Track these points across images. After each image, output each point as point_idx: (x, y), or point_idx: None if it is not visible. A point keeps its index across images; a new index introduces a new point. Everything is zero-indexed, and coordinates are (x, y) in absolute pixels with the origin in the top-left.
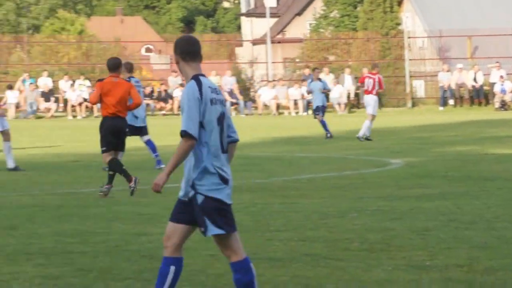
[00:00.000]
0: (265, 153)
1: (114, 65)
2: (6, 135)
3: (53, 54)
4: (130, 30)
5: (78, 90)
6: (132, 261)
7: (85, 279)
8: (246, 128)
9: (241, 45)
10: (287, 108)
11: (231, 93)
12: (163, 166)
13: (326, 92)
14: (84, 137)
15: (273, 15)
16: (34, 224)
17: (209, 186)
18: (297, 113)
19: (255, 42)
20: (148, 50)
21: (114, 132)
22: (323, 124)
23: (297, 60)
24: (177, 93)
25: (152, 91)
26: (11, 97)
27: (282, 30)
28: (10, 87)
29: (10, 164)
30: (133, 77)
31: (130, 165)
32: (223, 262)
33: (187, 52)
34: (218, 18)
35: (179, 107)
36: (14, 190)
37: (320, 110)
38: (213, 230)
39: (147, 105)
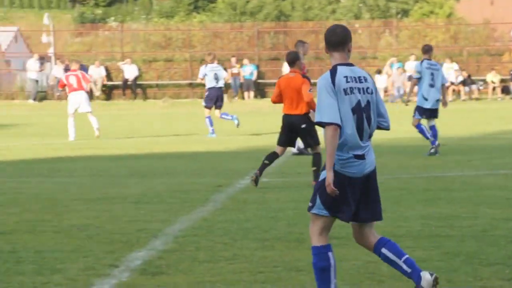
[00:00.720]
0: None
1: (291, 60)
2: None
3: (421, 38)
4: (501, 11)
5: (445, 73)
6: (500, 246)
7: (452, 263)
8: None
9: None
10: None
11: None
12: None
13: None
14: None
15: None
16: (401, 207)
17: (337, 162)
18: None
19: None
20: None
21: (289, 131)
22: None
23: None
24: None
25: None
26: (379, 81)
27: None
28: (379, 72)
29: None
30: (428, 58)
31: (496, 149)
32: None
33: (328, 42)
34: None
35: None
36: (382, 173)
37: None
38: (318, 208)
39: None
